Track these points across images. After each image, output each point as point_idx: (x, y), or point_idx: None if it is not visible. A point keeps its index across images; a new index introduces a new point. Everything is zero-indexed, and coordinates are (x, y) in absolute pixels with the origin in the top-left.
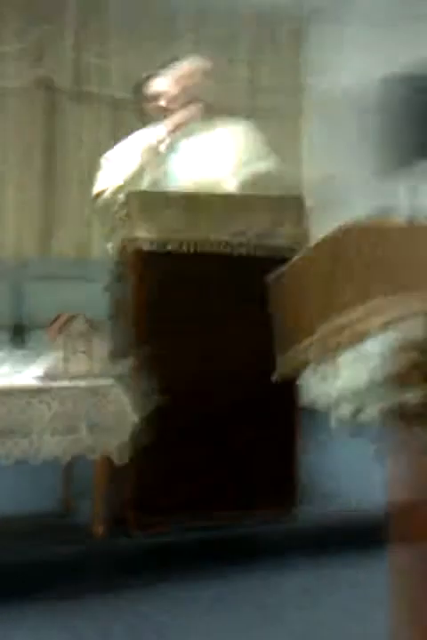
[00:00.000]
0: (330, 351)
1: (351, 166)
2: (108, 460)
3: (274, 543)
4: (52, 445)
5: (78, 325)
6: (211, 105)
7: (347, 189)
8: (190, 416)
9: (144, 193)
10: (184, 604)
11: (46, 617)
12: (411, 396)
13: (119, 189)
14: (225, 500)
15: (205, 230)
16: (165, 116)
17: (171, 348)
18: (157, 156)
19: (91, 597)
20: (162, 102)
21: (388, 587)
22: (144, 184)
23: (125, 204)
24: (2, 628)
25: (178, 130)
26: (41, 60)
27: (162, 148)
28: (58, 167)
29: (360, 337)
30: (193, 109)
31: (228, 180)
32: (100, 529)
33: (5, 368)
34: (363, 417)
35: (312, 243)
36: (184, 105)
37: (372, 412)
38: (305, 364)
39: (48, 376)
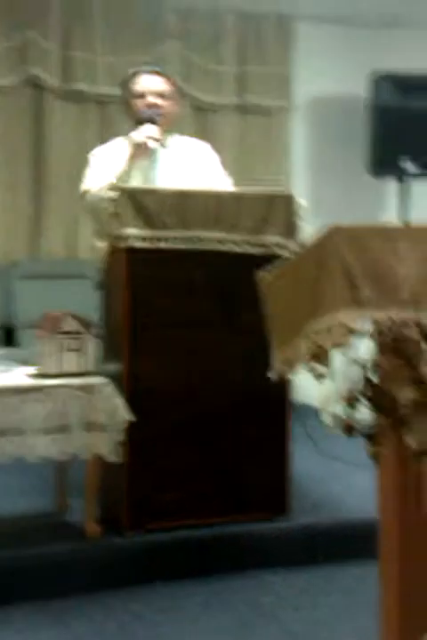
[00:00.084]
0: (321, 351)
1: (339, 166)
2: (100, 460)
3: (267, 543)
4: (46, 444)
5: (68, 324)
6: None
7: (335, 190)
8: (182, 416)
9: (133, 190)
10: (177, 603)
11: (39, 615)
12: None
13: (107, 187)
14: (217, 500)
15: (195, 228)
16: (152, 113)
17: (160, 346)
18: (145, 153)
19: (84, 596)
20: (149, 99)
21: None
22: (133, 181)
23: (114, 201)
24: None
25: (166, 126)
26: (27, 59)
27: (150, 144)
28: (46, 166)
29: (348, 339)
30: (177, 107)
31: (218, 180)
32: (93, 528)
33: None
34: (356, 417)
35: (302, 242)
36: (170, 102)
37: (364, 412)
38: (298, 363)
39: (40, 375)
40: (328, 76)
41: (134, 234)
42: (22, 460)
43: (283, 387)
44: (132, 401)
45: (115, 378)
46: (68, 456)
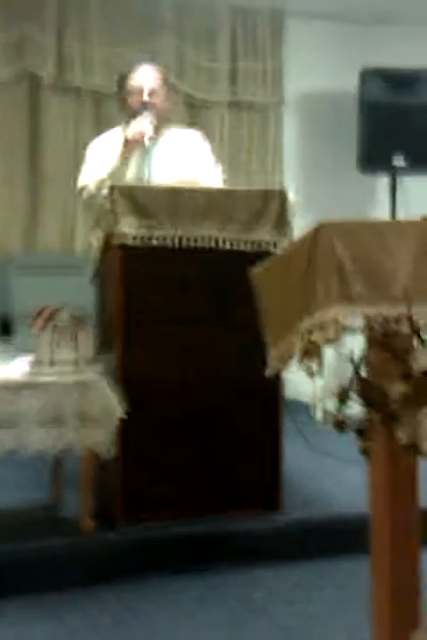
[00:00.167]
0: (314, 347)
1: (329, 162)
2: (95, 454)
3: (260, 538)
4: (41, 437)
5: (63, 318)
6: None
7: (325, 185)
8: (176, 412)
9: (128, 187)
10: (172, 597)
11: (33, 609)
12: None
13: (103, 183)
14: (211, 496)
15: (189, 224)
16: (147, 109)
17: (154, 343)
18: (140, 149)
19: (78, 589)
20: (145, 95)
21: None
22: (128, 177)
23: (109, 197)
24: None
25: (159, 121)
26: (23, 53)
27: (146, 140)
28: (42, 159)
29: (340, 335)
30: (170, 102)
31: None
32: (88, 522)
33: None
34: (347, 412)
35: (295, 237)
36: (165, 99)
37: (355, 408)
38: (291, 359)
39: (35, 368)
40: (319, 72)
41: (128, 231)
42: (18, 453)
43: (276, 383)
44: (127, 397)
45: (109, 373)
46: (63, 449)
